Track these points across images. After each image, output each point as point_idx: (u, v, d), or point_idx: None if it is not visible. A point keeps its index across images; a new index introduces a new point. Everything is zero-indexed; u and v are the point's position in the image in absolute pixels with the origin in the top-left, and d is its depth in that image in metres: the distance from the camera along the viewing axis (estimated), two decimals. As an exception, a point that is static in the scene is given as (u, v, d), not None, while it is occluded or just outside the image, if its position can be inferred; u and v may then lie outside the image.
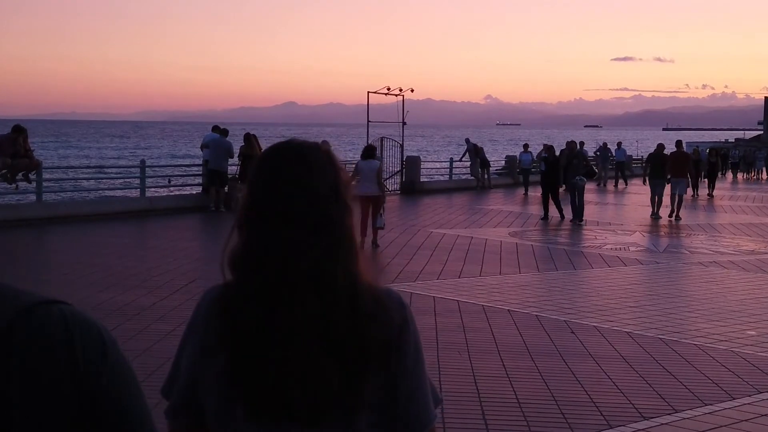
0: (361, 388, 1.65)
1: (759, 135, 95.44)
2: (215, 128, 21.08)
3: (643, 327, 8.86)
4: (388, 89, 26.95)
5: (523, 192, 28.33)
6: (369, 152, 15.10)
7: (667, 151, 21.75)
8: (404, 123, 27.39)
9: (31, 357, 1.08)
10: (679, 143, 23.28)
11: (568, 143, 22.10)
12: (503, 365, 7.22)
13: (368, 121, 26.78)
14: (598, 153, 34.38)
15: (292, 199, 1.69)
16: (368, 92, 26.53)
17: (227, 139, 20.50)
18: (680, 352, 7.89)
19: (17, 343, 1.08)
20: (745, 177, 44.33)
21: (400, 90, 27.15)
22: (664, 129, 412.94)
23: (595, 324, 8.94)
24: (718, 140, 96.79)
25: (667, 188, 21.16)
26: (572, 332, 8.55)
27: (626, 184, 33.63)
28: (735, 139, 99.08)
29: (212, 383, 1.69)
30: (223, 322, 1.68)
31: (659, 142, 22.82)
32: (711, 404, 6.30)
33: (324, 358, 1.63)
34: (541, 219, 19.93)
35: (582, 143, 30.01)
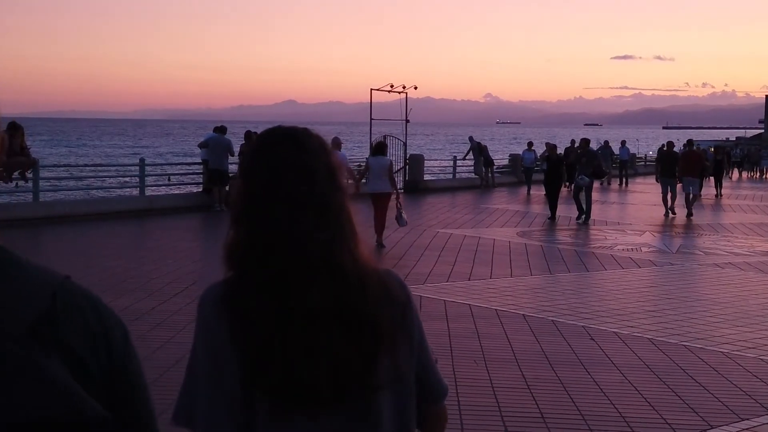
0: (376, 368, 1.67)
1: (760, 133, 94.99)
2: (216, 129, 20.76)
3: (664, 333, 8.46)
4: (392, 86, 26.57)
5: (526, 191, 27.96)
6: (379, 149, 14.80)
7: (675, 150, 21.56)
8: (407, 121, 27.00)
9: (73, 328, 1.14)
10: (690, 142, 22.97)
11: (581, 140, 21.77)
12: (522, 375, 6.82)
13: (371, 119, 26.38)
14: (598, 152, 33.97)
15: (294, 183, 1.67)
16: (371, 89, 26.14)
17: (226, 136, 20.13)
18: (707, 360, 7.49)
19: (60, 313, 1.13)
20: (749, 176, 43.94)
21: (404, 87, 26.77)
22: (664, 127, 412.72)
23: (614, 330, 8.54)
24: (717, 139, 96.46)
25: (679, 187, 21.03)
26: (591, 339, 8.15)
27: (627, 184, 33.23)
28: (736, 137, 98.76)
29: (233, 385, 1.64)
30: (233, 319, 1.64)
31: (669, 140, 22.48)
32: (747, 419, 5.91)
33: (341, 340, 1.64)
34: (548, 219, 19.53)
35: (588, 141, 29.64)
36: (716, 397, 6.41)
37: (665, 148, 21.77)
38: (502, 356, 7.42)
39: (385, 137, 25.36)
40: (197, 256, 13.03)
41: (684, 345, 8.01)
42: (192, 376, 1.71)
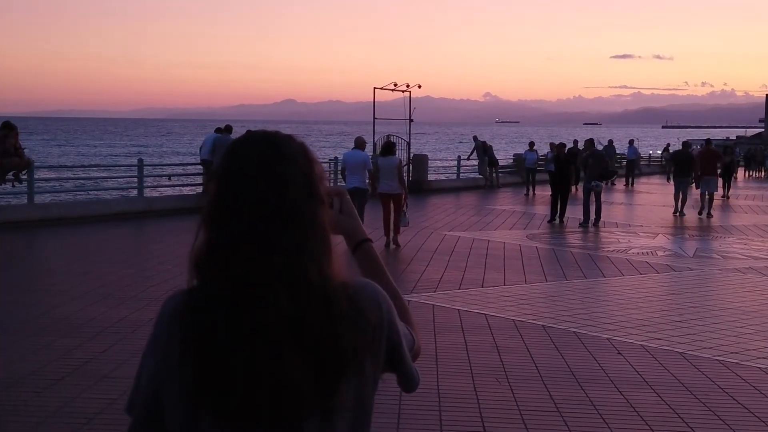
0: (335, 391, 1.57)
1: (760, 132, 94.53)
2: (218, 130, 20.28)
3: (695, 346, 7.95)
4: (395, 85, 26.06)
5: (525, 192, 27.36)
6: (388, 149, 14.62)
7: (673, 149, 21.36)
8: (411, 120, 26.50)
9: None
10: (708, 141, 22.67)
11: (585, 141, 21.32)
12: (550, 395, 6.32)
13: (374, 118, 25.85)
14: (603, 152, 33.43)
15: (262, 188, 1.59)
16: (374, 88, 25.63)
17: (231, 136, 19.65)
18: (745, 377, 6.98)
19: None
20: (753, 176, 43.38)
21: (407, 86, 26.26)
22: (663, 126, 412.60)
23: (641, 342, 8.04)
24: (717, 138, 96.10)
25: (690, 187, 20.89)
26: (619, 353, 7.64)
27: (633, 184, 32.69)
28: (736, 136, 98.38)
29: (177, 396, 1.59)
30: (186, 332, 1.57)
31: (684, 140, 22.16)
32: (800, 446, 5.41)
33: (295, 360, 1.55)
34: (549, 222, 18.95)
35: (592, 141, 29.13)
36: (761, 419, 5.92)
37: (680, 148, 21.43)
38: (526, 373, 6.91)
39: (388, 137, 24.88)
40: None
41: (718, 360, 7.51)
42: (139, 379, 1.66)
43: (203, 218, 1.63)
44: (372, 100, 25.68)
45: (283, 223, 1.59)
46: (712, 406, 6.17)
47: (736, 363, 7.41)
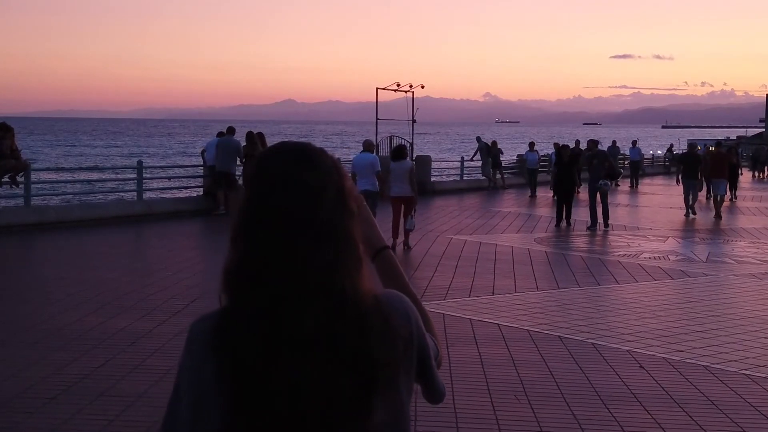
0: (370, 406, 1.55)
1: (761, 132, 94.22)
2: (220, 134, 19.94)
3: (720, 359, 7.60)
4: (398, 86, 25.74)
5: (529, 193, 26.97)
6: (399, 152, 14.47)
7: (676, 150, 21.13)
8: (414, 120, 26.18)
9: None
10: (719, 143, 22.43)
11: (588, 142, 21.01)
12: (573, 414, 5.96)
13: (377, 119, 25.53)
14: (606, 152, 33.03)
15: (295, 201, 1.56)
16: (377, 89, 25.31)
17: (235, 138, 19.31)
18: (776, 393, 6.64)
19: None
20: (759, 176, 43.04)
21: (410, 86, 25.94)
22: (663, 126, 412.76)
23: (663, 355, 7.69)
24: (717, 137, 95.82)
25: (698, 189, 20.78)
26: (641, 367, 7.29)
27: (637, 186, 32.29)
28: (737, 136, 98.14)
29: (214, 419, 1.54)
30: (221, 353, 1.53)
31: (691, 142, 21.94)
32: None
33: (331, 374, 1.52)
34: (555, 226, 18.54)
35: (596, 142, 28.75)
36: (799, 442, 5.57)
37: (687, 150, 21.21)
38: (546, 390, 6.55)
39: (390, 138, 24.53)
40: (199, 267, 12.15)
41: (745, 374, 7.15)
42: (173, 415, 1.61)
43: (233, 233, 1.59)
44: (373, 99, 25.42)
45: (317, 237, 1.55)
46: (744, 425, 5.82)
47: (765, 377, 7.06)
